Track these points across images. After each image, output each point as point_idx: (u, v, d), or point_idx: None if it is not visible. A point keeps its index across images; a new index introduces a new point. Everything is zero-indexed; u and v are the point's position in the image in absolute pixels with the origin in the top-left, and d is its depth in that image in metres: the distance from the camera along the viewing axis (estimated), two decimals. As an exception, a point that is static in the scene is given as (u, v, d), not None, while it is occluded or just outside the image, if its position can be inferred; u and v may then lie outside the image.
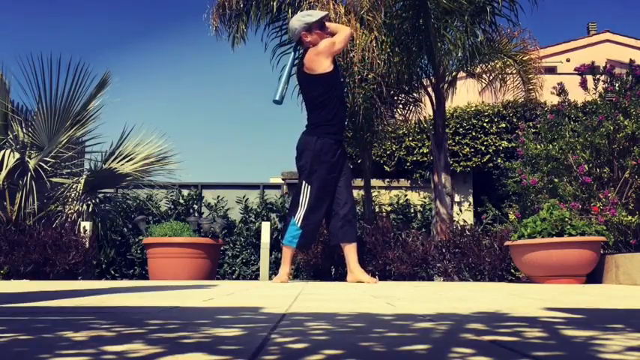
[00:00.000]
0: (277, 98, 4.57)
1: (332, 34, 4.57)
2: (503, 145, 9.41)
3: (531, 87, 7.54)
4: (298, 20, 4.59)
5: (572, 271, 4.36)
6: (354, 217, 4.57)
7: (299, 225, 4.43)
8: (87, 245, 5.92)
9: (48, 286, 3.75)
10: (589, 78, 5.49)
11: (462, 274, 5.31)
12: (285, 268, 4.53)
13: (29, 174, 6.13)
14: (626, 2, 30.14)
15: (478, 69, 7.24)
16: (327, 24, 4.68)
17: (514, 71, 7.45)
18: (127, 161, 6.75)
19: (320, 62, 4.46)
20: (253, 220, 8.38)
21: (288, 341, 1.06)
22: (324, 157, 4.42)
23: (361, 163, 7.15)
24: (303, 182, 4.48)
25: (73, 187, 6.59)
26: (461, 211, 9.59)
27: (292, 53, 4.86)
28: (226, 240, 8.02)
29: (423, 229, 7.63)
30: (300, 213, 4.43)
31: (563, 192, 5.17)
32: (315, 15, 4.62)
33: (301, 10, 5.40)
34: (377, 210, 8.43)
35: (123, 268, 8.01)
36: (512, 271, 5.18)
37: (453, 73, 6.72)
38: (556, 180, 5.34)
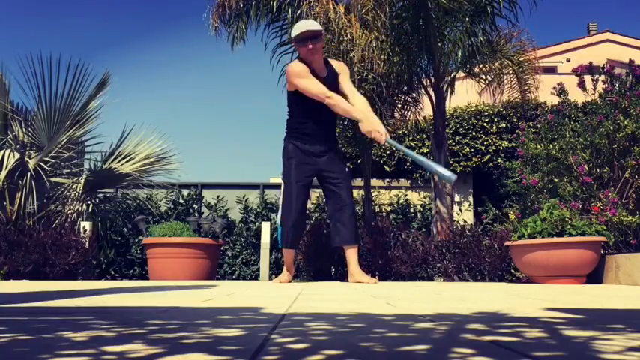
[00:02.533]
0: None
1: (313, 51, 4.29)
2: (503, 145, 9.42)
3: (526, 87, 7.57)
4: (294, 29, 4.42)
5: (572, 271, 4.36)
6: (352, 220, 4.53)
7: (279, 224, 4.70)
8: (87, 245, 5.92)
9: (48, 286, 3.75)
10: (587, 78, 5.49)
11: (462, 274, 5.31)
12: (285, 268, 4.58)
13: (29, 174, 6.12)
14: (626, 2, 30.16)
15: (477, 69, 7.25)
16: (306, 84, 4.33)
17: (511, 72, 7.47)
18: (127, 161, 6.75)
19: (287, 79, 4.47)
20: (253, 220, 8.38)
21: (289, 341, 1.06)
22: (293, 159, 4.46)
23: (361, 163, 7.15)
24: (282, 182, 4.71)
25: (73, 187, 6.59)
26: (461, 211, 9.59)
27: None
28: (226, 240, 8.02)
29: (423, 229, 7.63)
30: (279, 212, 4.70)
31: (563, 192, 5.17)
32: (297, 29, 4.35)
33: (301, 9, 5.40)
34: (377, 210, 8.43)
35: (123, 268, 8.01)
36: (513, 271, 5.18)
37: (453, 73, 6.72)
38: (556, 180, 5.34)
